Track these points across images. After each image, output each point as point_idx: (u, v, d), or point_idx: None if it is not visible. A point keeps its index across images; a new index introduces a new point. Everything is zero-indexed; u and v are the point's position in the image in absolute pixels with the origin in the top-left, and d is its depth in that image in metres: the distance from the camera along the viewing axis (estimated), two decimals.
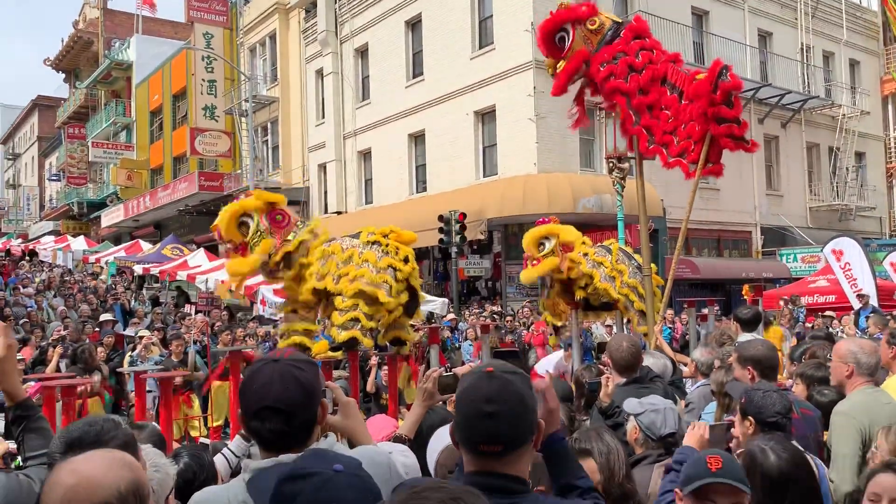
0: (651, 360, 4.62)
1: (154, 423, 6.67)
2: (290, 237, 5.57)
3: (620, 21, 7.28)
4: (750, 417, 2.95)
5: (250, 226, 5.47)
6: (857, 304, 13.77)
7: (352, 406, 2.18)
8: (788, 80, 24.39)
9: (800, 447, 2.60)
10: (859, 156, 27.91)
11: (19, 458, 2.20)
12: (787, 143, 25.39)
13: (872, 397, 3.59)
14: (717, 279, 21.63)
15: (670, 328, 14.65)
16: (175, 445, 4.56)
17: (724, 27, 22.94)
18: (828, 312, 13.88)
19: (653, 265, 7.63)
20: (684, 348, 10.64)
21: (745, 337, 5.25)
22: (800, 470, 2.53)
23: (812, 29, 25.95)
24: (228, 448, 3.16)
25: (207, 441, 7.26)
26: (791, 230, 24.07)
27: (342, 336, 5.55)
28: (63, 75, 50.46)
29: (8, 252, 31.78)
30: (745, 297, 12.23)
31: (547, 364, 7.85)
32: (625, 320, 7.92)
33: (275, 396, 1.81)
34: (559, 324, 8.11)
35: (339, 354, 6.26)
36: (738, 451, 2.74)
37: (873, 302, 13.69)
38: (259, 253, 5.39)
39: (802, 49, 25.60)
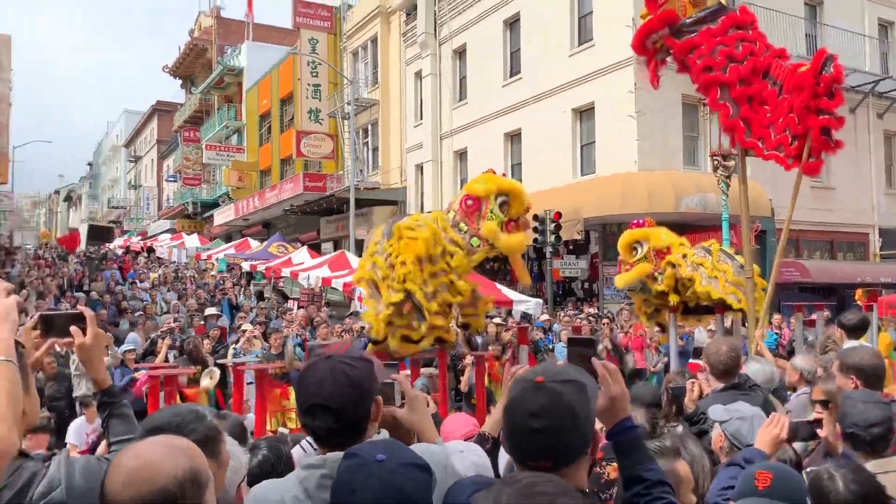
0: (756, 367, 4.41)
1: (250, 413, 6.93)
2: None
3: (724, 4, 6.96)
4: (843, 427, 2.76)
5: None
6: None
7: (418, 400, 2.17)
8: None
9: (873, 475, 2.30)
10: None
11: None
12: None
13: None
14: (829, 283, 20.45)
15: (777, 334, 13.97)
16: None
17: (840, 17, 21.67)
18: None
19: (756, 267, 7.28)
20: (791, 355, 10.12)
21: (849, 344, 4.93)
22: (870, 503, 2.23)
23: None
24: (307, 440, 3.23)
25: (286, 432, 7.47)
26: None
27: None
28: (180, 81, 53.25)
29: (128, 249, 33.87)
30: (859, 302, 11.51)
31: None
32: (727, 324, 7.63)
33: (325, 394, 1.81)
34: (655, 327, 7.90)
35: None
36: (808, 469, 2.49)
37: None
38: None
39: None
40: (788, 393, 5.06)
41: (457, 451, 2.22)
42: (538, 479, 1.39)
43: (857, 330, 5.33)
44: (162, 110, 56.97)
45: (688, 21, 6.67)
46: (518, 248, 5.66)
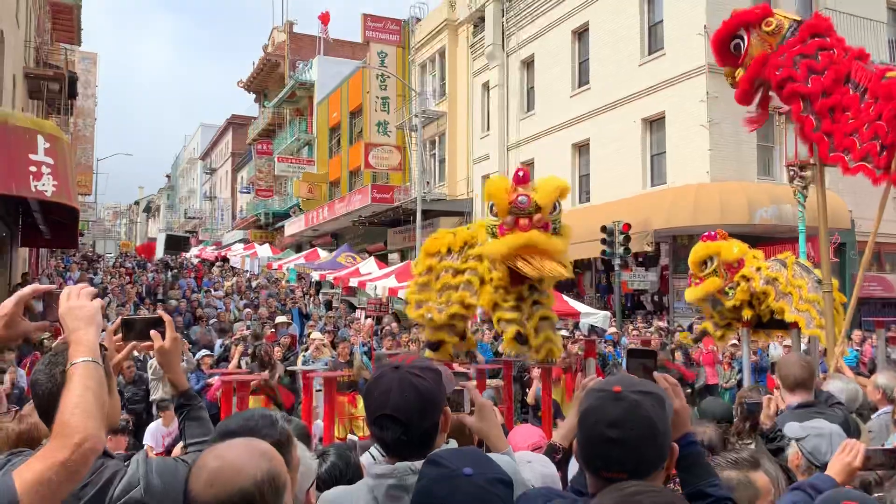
0: (839, 385, 4.25)
1: (318, 420, 7.04)
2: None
3: (799, 19, 6.79)
4: None
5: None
6: None
7: (487, 408, 2.16)
8: None
9: None
10: None
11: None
12: None
13: None
14: None
15: (858, 351, 13.42)
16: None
17: None
18: None
19: (834, 281, 7.01)
20: (872, 373, 9.69)
21: None
22: None
23: None
24: (376, 447, 3.26)
25: (356, 439, 7.55)
26: None
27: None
28: (253, 96, 54.77)
29: (203, 258, 34.97)
30: None
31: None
32: (805, 339, 7.37)
33: (393, 405, 1.81)
34: (721, 343, 7.70)
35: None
36: (878, 495, 2.35)
37: None
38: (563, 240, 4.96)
39: None
40: (871, 413, 4.85)
41: (525, 461, 2.22)
42: (645, 487, 1.38)
43: None
44: (236, 124, 58.65)
45: (775, 52, 6.53)
46: (495, 253, 4.91)
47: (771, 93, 6.92)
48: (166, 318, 2.25)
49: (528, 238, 4.73)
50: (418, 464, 1.67)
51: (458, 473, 1.54)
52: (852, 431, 3.25)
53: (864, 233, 17.48)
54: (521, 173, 5.07)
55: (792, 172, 12.10)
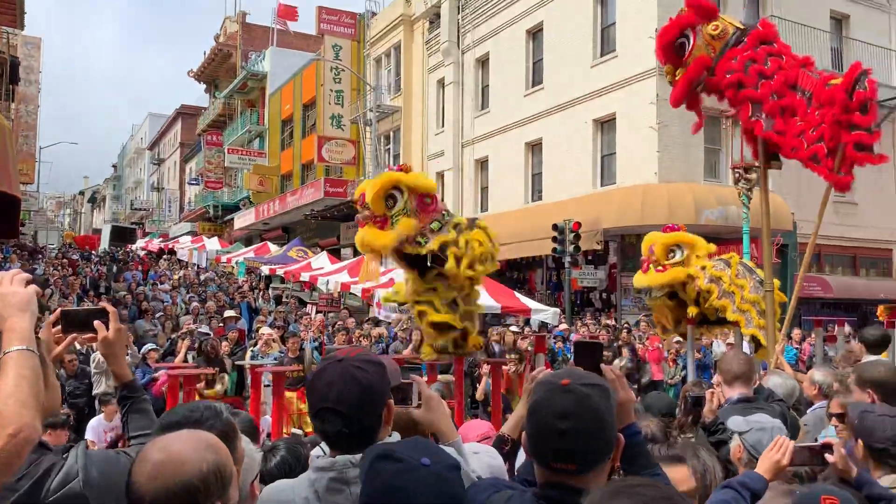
0: (777, 381, 4.38)
1: (266, 416, 6.98)
2: (433, 225, 5.11)
3: (744, 27, 6.96)
4: (861, 441, 2.75)
5: (398, 201, 4.98)
6: None
7: (434, 400, 2.17)
8: None
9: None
10: None
11: None
12: None
13: None
14: (851, 299, 20.25)
15: (797, 349, 13.86)
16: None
17: (867, 32, 21.49)
18: None
19: (776, 280, 7.22)
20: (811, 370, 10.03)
21: (869, 359, 4.89)
22: None
23: None
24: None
25: (300, 433, 7.49)
26: None
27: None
28: (204, 86, 53.80)
29: (149, 251, 34.26)
30: (881, 318, 11.37)
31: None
32: (746, 338, 7.55)
33: (335, 398, 1.79)
34: (664, 336, 7.80)
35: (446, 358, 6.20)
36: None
37: None
38: (398, 231, 4.93)
39: None
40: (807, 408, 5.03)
41: (472, 452, 2.24)
42: (643, 481, 1.41)
43: (878, 345, 5.29)
44: (186, 114, 57.63)
45: (717, 56, 6.67)
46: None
47: (706, 96, 7.09)
48: (110, 308, 2.20)
49: (358, 238, 5.03)
50: (358, 457, 1.67)
51: (417, 465, 1.55)
52: (789, 426, 3.36)
53: (805, 234, 18.03)
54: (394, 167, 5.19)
55: (737, 175, 12.40)
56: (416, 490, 1.53)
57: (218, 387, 8.81)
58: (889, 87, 20.78)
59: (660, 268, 7.24)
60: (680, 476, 2.42)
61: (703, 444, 3.33)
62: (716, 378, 4.18)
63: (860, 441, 2.96)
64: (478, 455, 2.28)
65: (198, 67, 51.32)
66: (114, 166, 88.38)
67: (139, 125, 76.57)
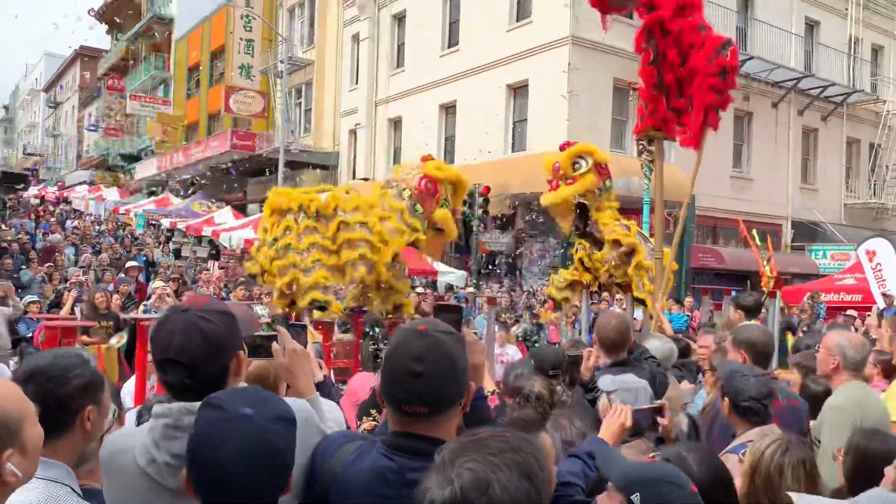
0: (656, 344, 4.52)
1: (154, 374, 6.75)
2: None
3: None
4: (727, 398, 2.91)
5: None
6: (882, 304, 13.47)
7: (298, 353, 2.15)
8: (833, 72, 23.72)
9: (720, 462, 2.29)
10: None
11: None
12: (827, 136, 24.78)
13: (864, 392, 3.51)
14: (742, 270, 21.27)
15: (688, 316, 14.51)
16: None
17: (770, 13, 22.34)
18: (850, 312, 13.60)
19: (665, 249, 7.49)
20: None
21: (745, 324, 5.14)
22: (717, 486, 2.13)
23: (863, 20, 25.15)
24: None
25: None
26: (823, 226, 23.57)
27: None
28: (106, 27, 50.88)
29: (43, 198, 32.43)
30: (763, 288, 11.99)
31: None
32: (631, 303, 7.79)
33: (176, 348, 1.74)
34: (562, 300, 7.94)
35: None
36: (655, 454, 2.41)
37: None
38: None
39: (851, 41, 24.85)
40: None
41: (328, 408, 2.21)
42: (494, 431, 1.42)
43: (752, 311, 5.56)
44: (86, 56, 54.58)
45: None
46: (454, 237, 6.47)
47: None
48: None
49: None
50: (196, 405, 1.62)
51: (236, 415, 1.50)
52: (658, 385, 3.48)
53: (704, 207, 18.79)
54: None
55: (640, 146, 12.73)
56: (229, 438, 1.49)
57: (113, 340, 8.45)
58: (787, 69, 21.84)
59: (569, 180, 7.18)
60: (547, 442, 2.46)
61: (581, 401, 3.42)
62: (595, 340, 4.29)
63: (727, 399, 3.12)
64: (332, 412, 2.25)
65: (99, 6, 48.41)
66: (5, 107, 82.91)
67: (34, 65, 72.01)
